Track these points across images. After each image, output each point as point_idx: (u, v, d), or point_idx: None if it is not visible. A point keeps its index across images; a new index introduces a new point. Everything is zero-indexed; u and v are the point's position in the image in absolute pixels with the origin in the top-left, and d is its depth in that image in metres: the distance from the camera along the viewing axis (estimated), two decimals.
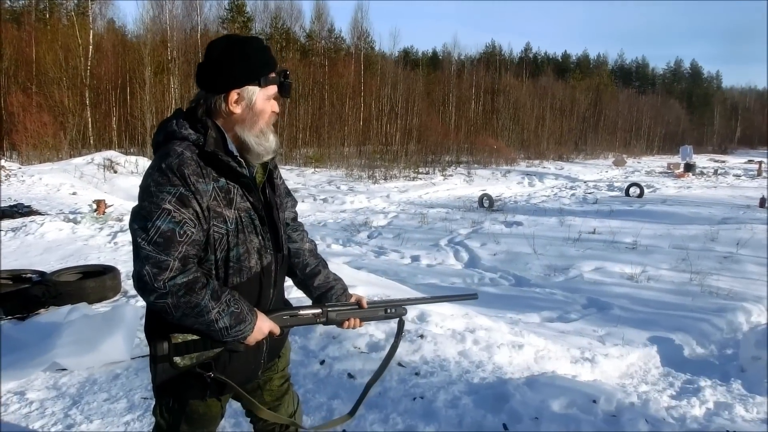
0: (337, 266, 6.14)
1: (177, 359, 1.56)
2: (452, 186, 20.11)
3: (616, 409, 3.20)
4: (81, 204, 11.33)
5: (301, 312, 1.75)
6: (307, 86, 35.24)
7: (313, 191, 18.37)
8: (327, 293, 1.88)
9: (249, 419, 2.04)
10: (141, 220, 1.49)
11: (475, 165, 29.63)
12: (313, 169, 25.65)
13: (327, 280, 1.90)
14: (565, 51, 76.56)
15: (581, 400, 3.23)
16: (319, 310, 1.77)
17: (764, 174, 26.38)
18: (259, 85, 1.60)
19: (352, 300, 1.88)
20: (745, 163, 36.19)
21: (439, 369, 3.73)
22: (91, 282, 5.27)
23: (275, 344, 1.82)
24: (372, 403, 3.23)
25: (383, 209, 14.51)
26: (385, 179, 21.72)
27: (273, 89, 1.63)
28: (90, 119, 26.68)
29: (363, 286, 5.16)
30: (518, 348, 4.15)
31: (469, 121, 42.55)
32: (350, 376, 3.59)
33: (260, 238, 1.66)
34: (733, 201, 15.48)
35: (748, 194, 16.99)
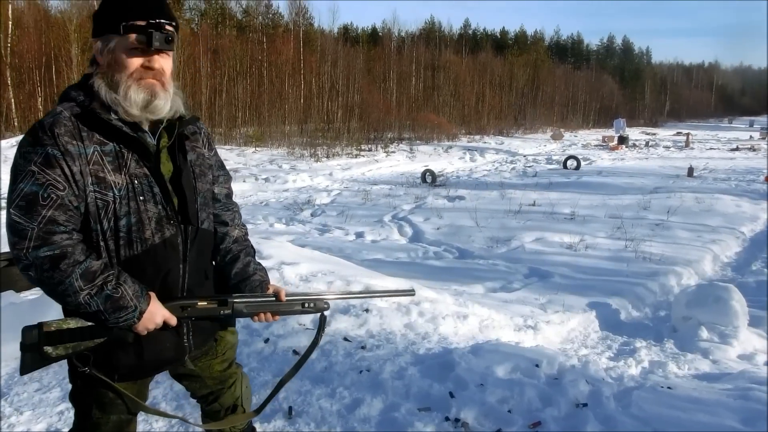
0: (279, 244, 6.03)
1: (48, 349, 1.42)
2: (395, 162, 20.12)
3: (558, 371, 3.27)
4: (5, 189, 10.71)
5: (200, 303, 1.58)
6: (245, 64, 34.34)
7: (255, 171, 17.98)
8: (242, 283, 1.72)
9: (195, 400, 1.96)
10: (9, 183, 1.39)
11: (417, 141, 29.76)
12: (253, 149, 25.11)
13: (245, 270, 1.73)
14: (503, 27, 77.33)
15: (524, 364, 3.28)
16: (224, 301, 1.60)
17: (692, 145, 27.67)
18: (119, 33, 1.43)
19: (269, 291, 1.72)
20: (674, 135, 37.83)
21: (385, 342, 3.72)
22: (17, 269, 4.97)
23: (203, 328, 1.67)
24: (318, 377, 3.19)
25: (326, 187, 14.39)
26: (328, 157, 21.53)
27: (133, 38, 1.43)
28: (13, 100, 25.15)
29: (307, 262, 5.08)
30: (463, 318, 4.19)
31: (410, 98, 42.57)
32: (295, 352, 3.53)
33: (160, 207, 1.50)
34: (663, 171, 16.16)
35: (677, 164, 17.77)
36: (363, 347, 3.62)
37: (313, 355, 3.51)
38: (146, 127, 1.52)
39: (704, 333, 4.52)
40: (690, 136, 29.43)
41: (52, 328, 1.43)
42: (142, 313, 1.45)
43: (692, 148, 26.45)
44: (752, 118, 64.13)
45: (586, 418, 2.73)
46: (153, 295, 1.50)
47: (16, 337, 3.61)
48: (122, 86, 1.44)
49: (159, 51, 1.46)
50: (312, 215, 10.46)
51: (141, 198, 1.47)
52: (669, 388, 3.23)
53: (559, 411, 2.83)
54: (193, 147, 1.66)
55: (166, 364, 1.66)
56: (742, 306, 4.64)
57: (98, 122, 1.44)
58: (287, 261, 5.00)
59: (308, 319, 4.00)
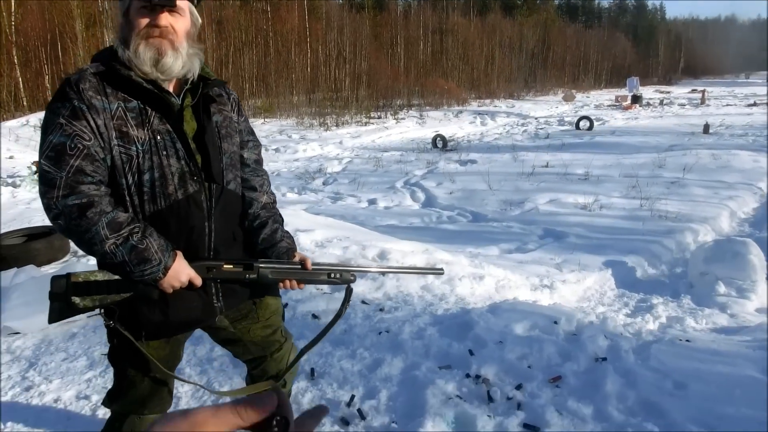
0: (293, 212, 6.06)
1: (76, 299, 1.46)
2: (405, 129, 19.98)
3: (577, 328, 3.29)
4: (19, 167, 10.79)
5: (226, 266, 1.59)
6: (250, 34, 33.95)
7: (265, 141, 17.93)
8: (269, 249, 1.72)
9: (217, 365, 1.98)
10: (41, 138, 1.45)
11: (427, 107, 29.47)
12: (262, 120, 25.01)
13: (273, 236, 1.74)
14: None
15: (543, 322, 3.31)
16: (249, 265, 1.60)
17: (707, 102, 27.15)
18: None
19: (296, 259, 1.71)
20: (689, 92, 37.09)
21: (403, 304, 3.75)
22: (37, 244, 5.04)
23: (235, 291, 1.69)
24: (338, 340, 3.24)
25: (337, 155, 14.35)
26: (337, 126, 21.41)
27: None
28: (20, 79, 25.11)
29: (321, 229, 5.11)
30: (479, 279, 4.20)
31: (418, 63, 41.98)
32: (314, 316, 3.58)
33: (183, 162, 1.53)
34: (678, 129, 15.90)
35: (692, 122, 17.46)
36: (381, 309, 3.65)
37: (331, 318, 3.57)
38: (170, 88, 1.56)
39: (722, 288, 4.51)
40: (705, 93, 28.85)
41: (80, 279, 1.46)
42: (167, 268, 1.47)
43: (708, 105, 25.93)
44: None
45: (605, 371, 2.75)
46: (179, 253, 1.52)
47: (42, 309, 3.68)
48: (132, 44, 1.49)
49: (162, 8, 1.49)
50: (324, 184, 10.47)
51: (164, 153, 1.50)
52: (687, 341, 3.24)
53: (579, 365, 2.86)
54: (219, 109, 1.67)
55: (193, 323, 1.68)
56: (760, 260, 4.62)
57: (121, 80, 1.48)
58: (302, 228, 5.03)
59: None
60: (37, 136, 15.82)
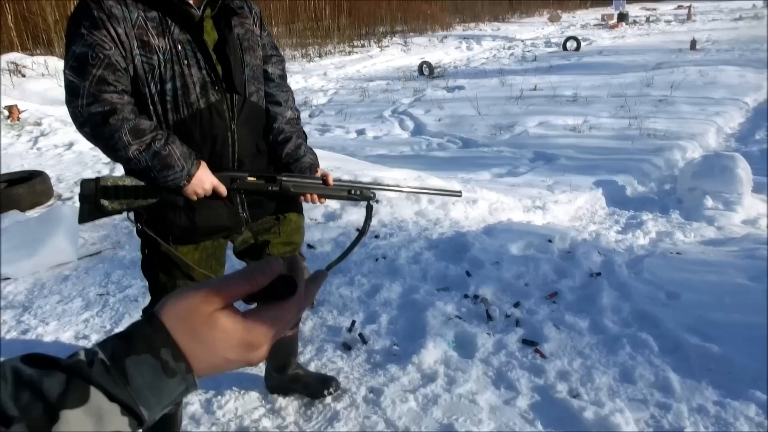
0: None
1: (104, 202, 1.51)
2: (390, 57, 19.49)
3: (570, 246, 3.35)
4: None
5: (250, 178, 1.63)
6: None
7: None
8: (293, 164, 1.78)
9: None
10: (65, 49, 1.48)
11: (411, 33, 28.69)
12: None
13: (296, 151, 1.80)
14: None
15: (537, 241, 3.35)
16: (272, 178, 1.65)
17: (693, 18, 26.66)
18: None
19: (318, 174, 1.78)
20: (675, 9, 36.30)
21: (398, 230, 3.77)
22: (19, 189, 4.95)
23: (260, 202, 1.75)
24: (335, 268, 3.26)
25: (322, 87, 14.03)
26: (320, 56, 20.87)
27: None
28: (10, 15, 23.95)
29: None
30: (473, 203, 4.22)
31: None
32: (310, 246, 3.60)
33: (204, 72, 1.56)
34: (665, 46, 15.65)
35: (679, 38, 17.18)
36: (376, 236, 3.68)
37: (328, 248, 3.60)
38: (191, 0, 1.56)
39: (709, 202, 4.57)
40: (691, 9, 28.26)
41: (109, 183, 1.51)
42: (190, 175, 1.53)
43: (694, 21, 25.46)
44: None
45: (600, 285, 2.82)
46: (203, 162, 1.58)
47: (30, 253, 3.64)
48: None
49: None
50: (310, 116, 10.29)
51: (185, 62, 1.54)
52: (678, 253, 3.31)
53: (574, 281, 2.92)
54: (241, 22, 1.68)
55: (219, 230, 1.73)
56: (747, 173, 4.66)
57: None
58: None
59: (319, 213, 4.05)
60: (6, 80, 15.29)
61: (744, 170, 4.68)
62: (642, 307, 2.65)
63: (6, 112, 9.67)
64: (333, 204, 4.06)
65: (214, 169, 1.60)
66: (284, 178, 1.67)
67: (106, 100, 1.45)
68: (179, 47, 1.53)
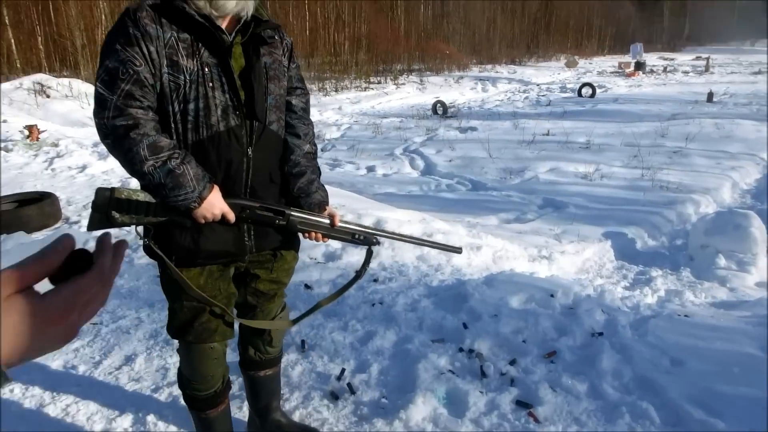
0: None
1: (115, 214, 1.51)
2: (405, 95, 19.66)
3: (574, 301, 3.23)
4: (12, 131, 10.61)
5: (260, 210, 1.64)
6: None
7: None
8: (303, 198, 1.78)
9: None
10: (99, 63, 1.53)
11: (427, 72, 29.05)
12: None
13: (309, 187, 1.80)
14: None
15: (539, 295, 3.24)
16: (281, 212, 1.66)
17: (711, 69, 26.73)
18: None
19: (326, 213, 1.77)
20: (693, 59, 36.53)
21: (398, 274, 3.69)
22: (27, 210, 4.94)
23: (266, 233, 1.74)
24: (330, 311, 3.18)
25: (336, 121, 14.13)
26: (336, 91, 21.10)
27: None
28: (12, 40, 24.56)
29: None
30: (476, 249, 4.14)
31: (419, 27, 41.18)
32: (307, 287, 3.52)
33: (227, 96, 1.59)
34: (682, 97, 15.65)
35: (696, 90, 17.18)
36: (375, 280, 3.59)
37: (324, 289, 3.51)
38: (223, 25, 1.60)
39: (722, 261, 4.45)
40: (710, 60, 28.36)
41: (123, 196, 1.51)
42: (201, 198, 1.53)
43: (712, 73, 25.52)
44: None
45: (601, 346, 2.70)
46: (216, 187, 1.58)
47: None
48: None
49: None
50: (322, 150, 10.32)
51: (210, 85, 1.57)
52: (686, 316, 3.18)
53: (575, 340, 2.80)
54: (270, 51, 1.72)
55: (222, 255, 1.72)
56: (762, 233, 4.54)
57: (176, 13, 1.54)
58: None
59: (319, 252, 3.97)
60: (30, 100, 15.59)
61: (759, 229, 4.56)
62: (644, 373, 2.52)
63: (26, 132, 9.79)
64: (335, 244, 3.99)
65: (226, 194, 1.61)
66: (293, 214, 1.68)
67: (130, 114, 1.49)
68: (206, 69, 1.56)
